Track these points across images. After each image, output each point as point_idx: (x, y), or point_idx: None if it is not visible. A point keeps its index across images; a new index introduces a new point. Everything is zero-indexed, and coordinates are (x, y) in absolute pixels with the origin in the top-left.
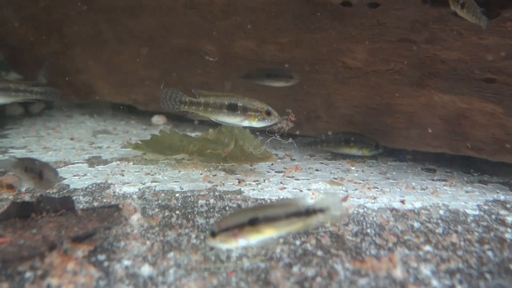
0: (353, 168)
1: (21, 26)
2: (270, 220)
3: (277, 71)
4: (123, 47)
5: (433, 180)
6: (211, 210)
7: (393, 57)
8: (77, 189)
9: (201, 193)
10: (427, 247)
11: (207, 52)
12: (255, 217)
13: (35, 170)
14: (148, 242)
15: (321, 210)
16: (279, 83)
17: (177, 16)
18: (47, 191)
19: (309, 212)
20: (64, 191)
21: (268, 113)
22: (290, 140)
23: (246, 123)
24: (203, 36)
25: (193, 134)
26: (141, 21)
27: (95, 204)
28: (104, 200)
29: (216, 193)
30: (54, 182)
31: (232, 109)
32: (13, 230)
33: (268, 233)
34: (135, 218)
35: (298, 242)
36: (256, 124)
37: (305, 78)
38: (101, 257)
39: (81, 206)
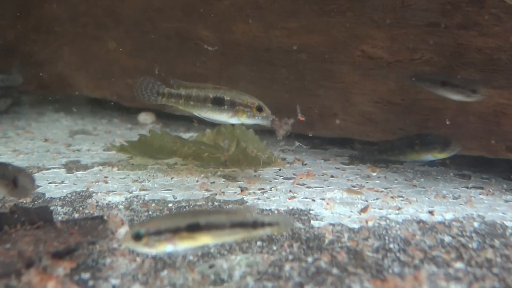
0: (374, 174)
1: None
2: (213, 228)
3: (457, 80)
4: (104, 32)
5: (467, 187)
6: None
7: (421, 45)
8: (54, 198)
9: (198, 203)
10: (459, 264)
11: (203, 38)
12: (196, 222)
13: (8, 176)
14: (138, 259)
15: (270, 225)
16: (457, 96)
17: None
18: (22, 200)
19: (257, 224)
20: (40, 201)
21: (259, 109)
22: (297, 144)
23: (234, 119)
24: (198, 19)
25: (187, 135)
26: (126, 2)
27: (76, 215)
28: (86, 211)
29: (215, 203)
30: (30, 190)
31: (218, 103)
32: None
33: (203, 241)
34: (123, 231)
35: (310, 259)
36: (245, 120)
37: (318, 70)
38: (85, 275)
39: (60, 218)
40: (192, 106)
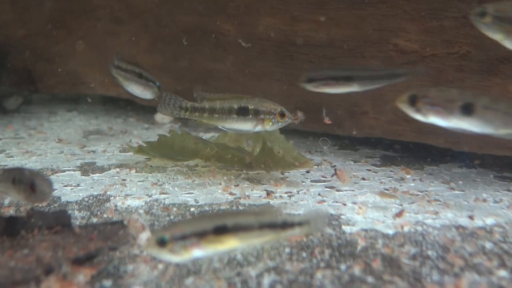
0: (409, 176)
1: None
2: (241, 230)
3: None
4: (120, 26)
5: (508, 190)
6: None
7: (458, 38)
8: (70, 202)
9: (222, 207)
10: (502, 272)
11: (224, 32)
12: (223, 224)
13: (25, 180)
14: (160, 266)
15: (300, 224)
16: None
17: None
18: (37, 204)
19: (286, 225)
20: (55, 205)
21: (282, 115)
22: (328, 145)
23: (258, 128)
24: (219, 12)
25: (207, 135)
26: None
27: (94, 220)
28: (105, 216)
29: (240, 208)
30: (48, 194)
31: (243, 113)
32: (1, 250)
33: (231, 245)
34: (144, 237)
35: (343, 267)
36: (269, 128)
37: (347, 64)
38: (107, 283)
39: (77, 223)
40: (217, 118)
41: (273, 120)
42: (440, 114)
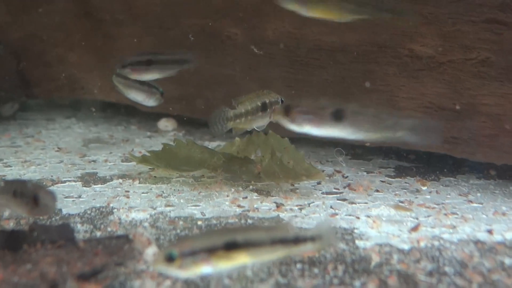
0: (425, 188)
1: None
2: (251, 245)
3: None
4: (121, 29)
5: None
6: None
7: (477, 43)
8: (72, 214)
9: (230, 221)
10: None
11: (231, 35)
12: (233, 240)
13: (28, 193)
14: (167, 282)
15: (312, 239)
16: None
17: None
18: (43, 218)
19: (299, 240)
20: (57, 217)
21: (282, 102)
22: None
23: (269, 120)
24: (225, 15)
25: (213, 144)
26: None
27: (98, 233)
28: (109, 229)
29: (249, 221)
30: (52, 208)
31: (264, 109)
32: (3, 265)
33: (242, 261)
34: (151, 252)
35: (357, 284)
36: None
37: (360, 71)
38: None
39: (80, 237)
40: (250, 120)
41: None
42: (313, 122)
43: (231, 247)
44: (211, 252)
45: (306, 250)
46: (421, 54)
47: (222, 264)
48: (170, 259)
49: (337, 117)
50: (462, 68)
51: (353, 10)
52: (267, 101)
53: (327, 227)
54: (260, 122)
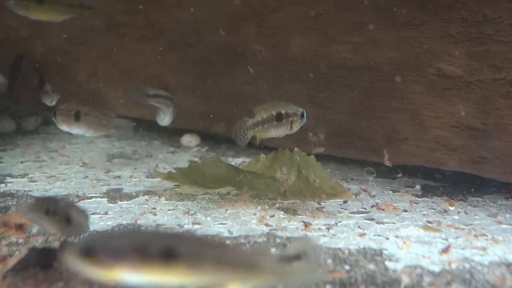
0: (452, 208)
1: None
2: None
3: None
4: (144, 44)
5: None
6: None
7: (506, 63)
8: (99, 231)
9: (258, 240)
10: None
11: (255, 52)
12: None
13: (60, 212)
14: None
15: (297, 257)
16: None
17: (214, 6)
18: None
19: (283, 260)
20: (85, 235)
21: (303, 115)
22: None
23: (287, 131)
24: (250, 32)
25: (237, 160)
26: (168, 12)
27: None
28: None
29: (278, 240)
30: (84, 227)
31: (279, 119)
32: (35, 283)
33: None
34: None
35: None
36: (294, 130)
37: (386, 89)
38: None
39: None
40: (266, 129)
41: (298, 122)
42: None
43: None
44: None
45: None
46: (449, 73)
47: None
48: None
49: (76, 117)
50: (491, 88)
51: (63, 11)
52: (283, 112)
53: (310, 242)
54: (276, 132)
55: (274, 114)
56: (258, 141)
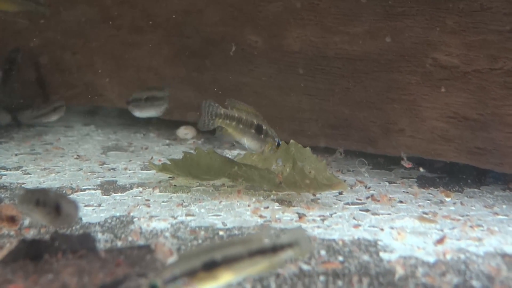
0: (449, 199)
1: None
2: (231, 261)
3: None
4: (140, 37)
5: None
6: None
7: (502, 53)
8: (92, 223)
9: (251, 231)
10: None
11: (251, 43)
12: (212, 259)
13: (50, 203)
14: None
15: (290, 245)
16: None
17: None
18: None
19: (276, 248)
20: (77, 226)
21: (279, 145)
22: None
23: (260, 149)
24: (245, 23)
25: (233, 153)
26: (164, 4)
27: (119, 243)
28: (130, 239)
29: (271, 231)
30: (74, 217)
31: (259, 131)
32: (24, 275)
33: (225, 279)
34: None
35: None
36: (265, 154)
37: (383, 80)
38: None
39: (101, 246)
40: (241, 130)
41: (272, 147)
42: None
43: (211, 266)
44: (191, 275)
45: (286, 258)
46: (446, 64)
47: (206, 285)
48: None
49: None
50: (488, 78)
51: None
52: (265, 128)
53: (302, 233)
54: (250, 142)
55: (255, 123)
56: (222, 135)
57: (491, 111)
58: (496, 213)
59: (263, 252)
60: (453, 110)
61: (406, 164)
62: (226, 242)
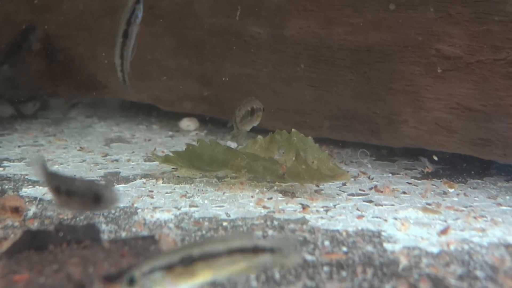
0: (452, 190)
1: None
2: (208, 258)
3: None
4: (143, 28)
5: None
6: None
7: (506, 43)
8: (95, 214)
9: (255, 222)
10: None
11: (253, 35)
12: (189, 254)
13: (89, 192)
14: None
15: (271, 250)
16: None
17: None
18: (62, 216)
19: (258, 250)
20: (81, 217)
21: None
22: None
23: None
24: (248, 14)
25: (236, 144)
26: None
27: (123, 234)
28: (134, 230)
29: (275, 223)
30: (115, 201)
31: (251, 113)
32: (29, 265)
33: (203, 276)
34: None
35: (387, 287)
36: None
37: (386, 71)
38: None
39: (105, 237)
40: (244, 124)
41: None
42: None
43: (188, 261)
44: (169, 269)
45: (265, 261)
46: (449, 54)
47: (183, 280)
48: (131, 281)
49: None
50: (491, 68)
51: None
52: (255, 107)
53: (289, 241)
54: (248, 126)
55: (249, 109)
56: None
57: (494, 102)
58: (500, 204)
59: (242, 251)
60: (457, 101)
61: (428, 169)
62: (208, 240)
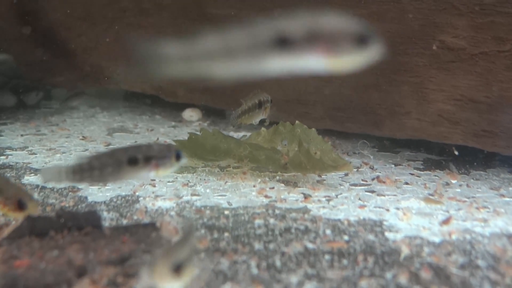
0: (455, 181)
1: None
2: None
3: None
4: (146, 19)
5: None
6: (271, 232)
7: (510, 35)
8: (97, 202)
9: (257, 211)
10: None
11: None
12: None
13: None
14: (196, 270)
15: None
16: None
17: None
18: (64, 203)
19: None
20: (83, 205)
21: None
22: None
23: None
24: (251, 5)
25: (239, 134)
26: None
27: (124, 222)
28: (135, 217)
29: (276, 211)
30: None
31: (259, 106)
32: (30, 251)
33: None
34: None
35: (388, 276)
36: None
37: (389, 62)
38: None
39: (106, 224)
40: (251, 116)
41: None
42: None
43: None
44: None
45: None
46: (453, 46)
47: None
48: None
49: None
50: (495, 60)
51: None
52: (262, 100)
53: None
54: (256, 119)
55: (257, 102)
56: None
57: (498, 94)
58: (502, 195)
59: None
60: (460, 93)
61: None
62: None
